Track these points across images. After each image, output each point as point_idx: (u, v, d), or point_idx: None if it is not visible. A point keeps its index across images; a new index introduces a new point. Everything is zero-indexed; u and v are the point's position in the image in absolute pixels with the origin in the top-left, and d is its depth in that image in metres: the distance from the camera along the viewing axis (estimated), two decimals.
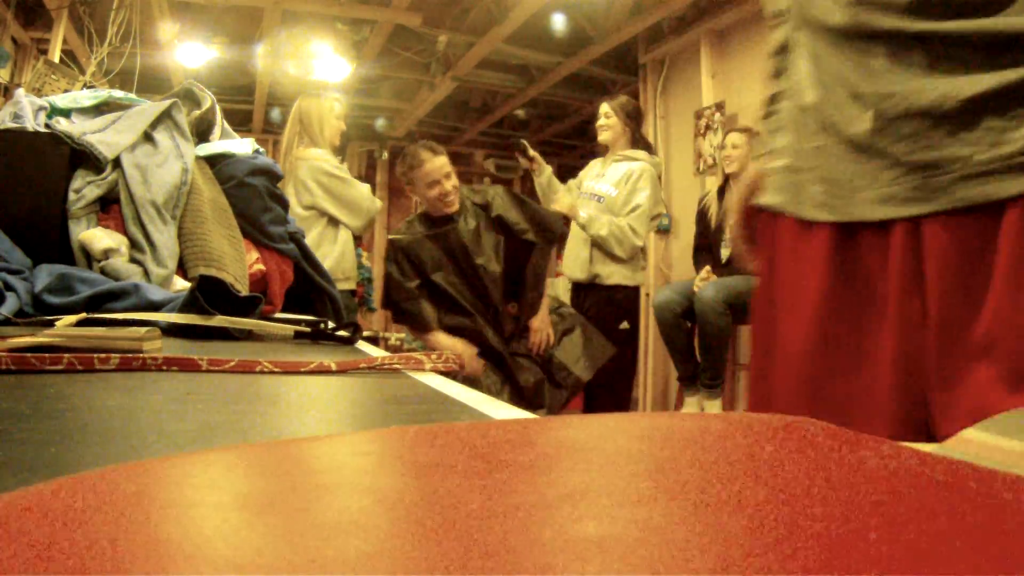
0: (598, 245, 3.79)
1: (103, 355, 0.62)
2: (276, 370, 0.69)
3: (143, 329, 0.73)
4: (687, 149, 5.14)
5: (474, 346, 3.00)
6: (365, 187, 3.60)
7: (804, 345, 1.00)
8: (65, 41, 4.45)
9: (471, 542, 0.19)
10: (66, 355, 0.60)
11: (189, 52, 5.19)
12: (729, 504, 0.22)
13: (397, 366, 0.75)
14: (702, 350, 3.92)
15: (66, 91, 2.72)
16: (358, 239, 3.68)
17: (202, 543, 0.19)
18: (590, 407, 4.13)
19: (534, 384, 3.06)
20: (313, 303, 1.99)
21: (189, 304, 1.14)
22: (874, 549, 0.19)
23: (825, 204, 0.98)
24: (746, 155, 4.03)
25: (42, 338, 0.68)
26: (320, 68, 5.33)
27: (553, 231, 3.17)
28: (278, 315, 1.63)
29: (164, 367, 0.65)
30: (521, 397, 3.03)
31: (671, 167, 5.38)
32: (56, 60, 4.08)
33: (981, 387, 0.83)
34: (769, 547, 0.19)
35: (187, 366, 0.67)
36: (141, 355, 0.65)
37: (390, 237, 3.15)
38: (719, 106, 4.78)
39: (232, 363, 0.68)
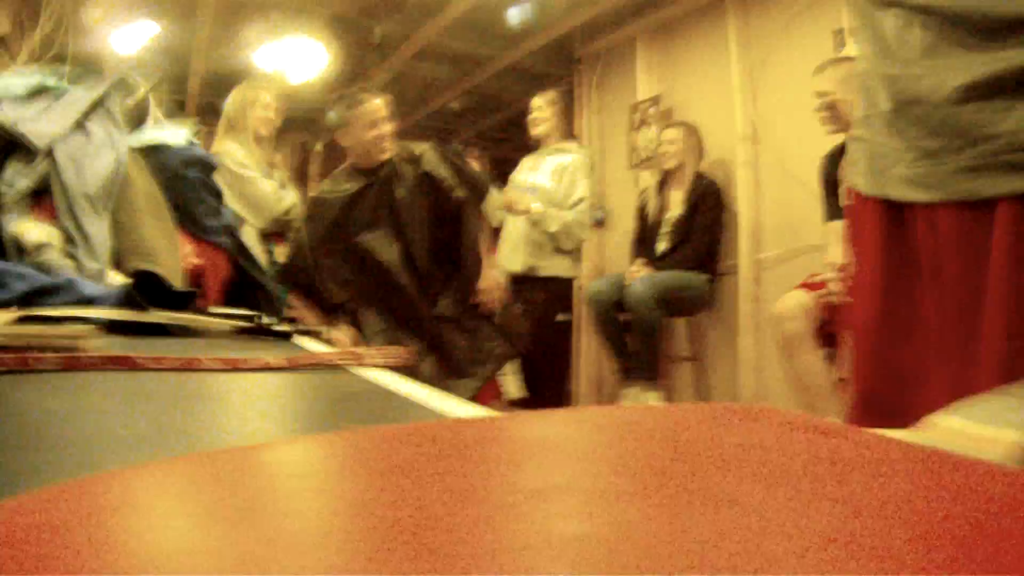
0: (537, 237, 3.81)
1: (39, 355, 0.61)
2: (219, 367, 0.68)
3: (81, 327, 0.71)
4: (622, 143, 5.17)
5: (395, 316, 2.95)
6: (270, 184, 3.53)
7: (867, 315, 1.02)
8: None
9: (442, 544, 0.19)
10: (2, 356, 0.59)
11: (123, 38, 5.08)
12: (699, 497, 0.22)
13: (341, 362, 0.75)
14: (634, 344, 3.95)
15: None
16: (277, 235, 3.60)
17: (166, 557, 0.19)
18: (528, 398, 4.15)
19: (460, 352, 3.01)
20: (248, 296, 1.97)
21: (125, 300, 1.12)
22: (847, 541, 0.19)
23: (867, 176, 1.00)
24: (682, 150, 4.07)
25: None
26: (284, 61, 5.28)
27: (481, 189, 3.10)
28: (214, 309, 1.61)
29: (104, 366, 0.64)
30: (447, 365, 2.99)
31: (606, 160, 5.41)
32: None
33: (993, 371, 0.85)
34: (745, 542, 0.19)
35: (127, 364, 0.65)
36: (79, 354, 0.64)
37: (312, 196, 3.06)
38: (655, 100, 4.82)
39: (174, 361, 0.67)
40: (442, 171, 2.97)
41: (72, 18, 4.33)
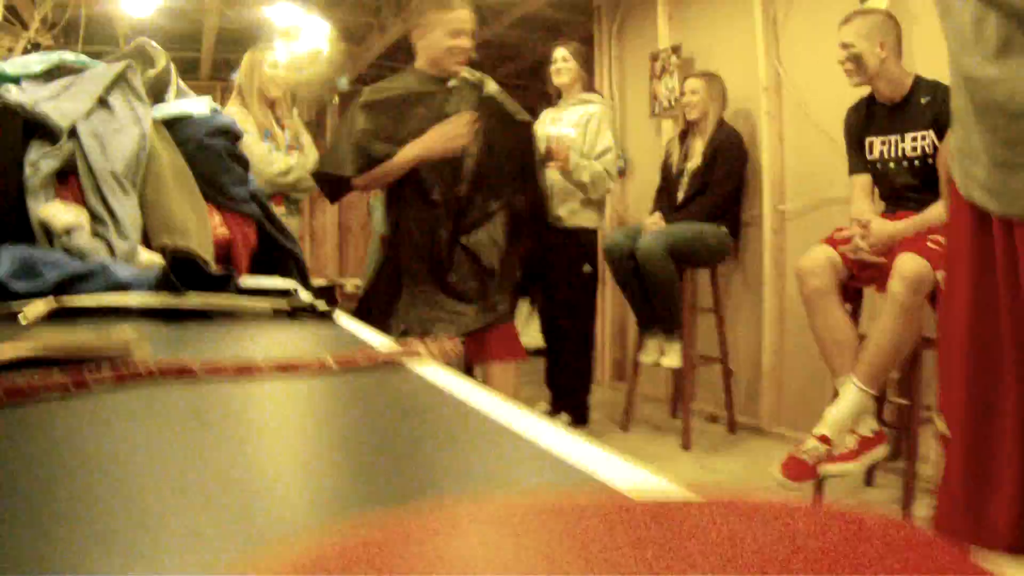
0: (565, 188, 3.79)
1: (96, 374, 0.58)
2: (277, 372, 0.66)
3: (127, 330, 0.69)
4: (642, 91, 5.10)
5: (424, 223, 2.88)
6: (263, 147, 3.52)
7: (957, 320, 1.00)
8: None
9: None
10: (57, 375, 0.56)
11: (134, 0, 5.01)
12: None
13: (401, 359, 0.73)
14: (651, 297, 3.93)
15: (10, 50, 2.61)
16: (278, 195, 3.58)
17: None
18: (552, 350, 4.17)
19: (466, 291, 2.89)
20: (277, 264, 1.94)
21: (161, 284, 1.10)
22: None
23: (959, 175, 0.96)
24: (705, 100, 4.02)
25: (23, 350, 0.64)
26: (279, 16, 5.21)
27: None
28: (247, 282, 1.58)
29: (161, 377, 0.62)
30: (447, 294, 2.88)
31: (626, 109, 5.35)
32: None
33: None
34: None
35: (182, 374, 0.63)
36: (134, 366, 0.62)
37: (373, 86, 2.93)
38: (675, 49, 4.74)
39: (231, 369, 0.65)
40: (503, 96, 2.91)
41: None
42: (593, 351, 4.58)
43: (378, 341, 0.89)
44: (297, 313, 1.16)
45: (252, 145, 3.41)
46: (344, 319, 1.16)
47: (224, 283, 1.15)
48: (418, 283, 2.86)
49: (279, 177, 3.57)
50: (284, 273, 1.94)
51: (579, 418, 4.25)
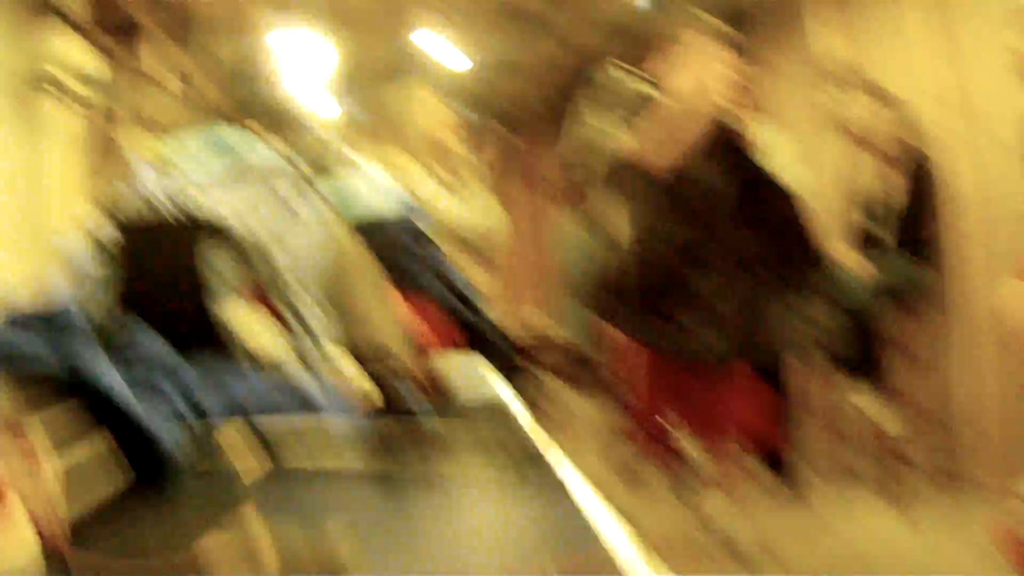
0: None
1: None
2: None
3: (341, 543, 0.61)
4: (808, 109, 4.83)
5: None
6: (448, 203, 3.33)
7: None
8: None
9: None
10: None
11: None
12: None
13: None
14: (852, 337, 3.68)
15: (189, 123, 2.64)
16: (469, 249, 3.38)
17: None
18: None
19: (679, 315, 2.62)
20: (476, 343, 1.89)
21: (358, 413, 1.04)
22: None
23: None
24: (890, 125, 3.73)
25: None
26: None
27: None
28: (449, 368, 1.49)
29: None
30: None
31: (788, 129, 5.09)
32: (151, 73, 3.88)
33: None
34: None
35: None
36: None
37: None
38: (845, 64, 4.47)
39: None
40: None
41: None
42: (786, 392, 4.34)
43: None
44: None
45: (435, 202, 3.17)
46: (568, 474, 1.06)
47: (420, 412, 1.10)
48: (641, 303, 2.66)
49: (471, 231, 3.28)
50: (479, 346, 1.89)
51: (778, 468, 4.02)
